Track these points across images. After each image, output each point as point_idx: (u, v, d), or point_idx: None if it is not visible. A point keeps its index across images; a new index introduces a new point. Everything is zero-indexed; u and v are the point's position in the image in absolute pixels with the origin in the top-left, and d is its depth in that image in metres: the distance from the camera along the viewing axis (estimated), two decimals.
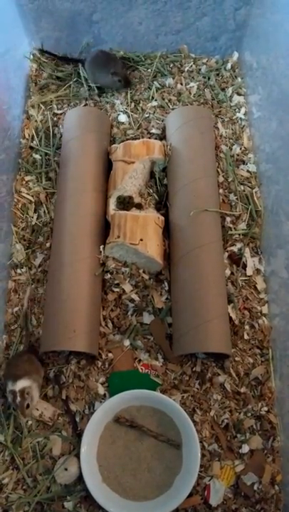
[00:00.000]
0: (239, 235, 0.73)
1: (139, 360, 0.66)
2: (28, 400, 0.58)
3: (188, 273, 0.65)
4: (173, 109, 0.83)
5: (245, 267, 0.71)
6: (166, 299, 0.69)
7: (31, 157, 0.82)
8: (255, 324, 0.68)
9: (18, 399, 0.58)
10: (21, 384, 0.58)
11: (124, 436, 0.61)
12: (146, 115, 0.84)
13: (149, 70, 0.89)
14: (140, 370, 0.65)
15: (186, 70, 0.89)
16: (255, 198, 0.76)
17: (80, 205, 0.70)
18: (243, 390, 0.64)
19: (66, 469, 0.59)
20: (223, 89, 0.87)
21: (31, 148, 0.83)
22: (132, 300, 0.68)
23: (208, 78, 0.88)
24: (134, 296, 0.68)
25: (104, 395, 0.64)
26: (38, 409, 0.62)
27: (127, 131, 0.82)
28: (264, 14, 0.77)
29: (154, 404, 0.62)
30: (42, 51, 0.91)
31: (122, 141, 0.78)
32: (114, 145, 0.76)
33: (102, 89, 0.87)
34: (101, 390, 0.64)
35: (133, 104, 0.85)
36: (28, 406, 0.58)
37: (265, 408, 0.63)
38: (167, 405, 0.61)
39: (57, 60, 0.91)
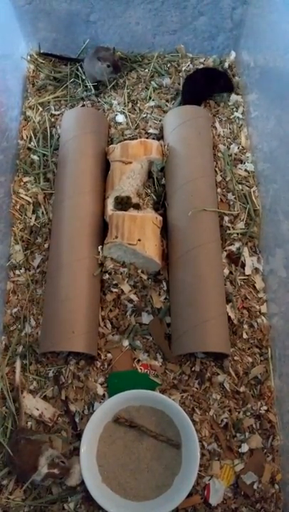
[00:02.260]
0: (237, 234, 0.73)
1: (138, 360, 0.66)
2: (60, 460, 0.56)
3: (187, 273, 0.65)
4: (171, 108, 0.83)
5: (243, 266, 0.71)
6: (165, 298, 0.69)
7: (29, 158, 0.82)
8: (254, 323, 0.68)
9: (56, 470, 0.56)
10: (42, 463, 0.56)
11: (123, 436, 0.61)
12: (144, 115, 0.84)
13: (147, 70, 0.89)
14: (139, 370, 0.65)
15: (183, 69, 0.89)
16: (254, 197, 0.76)
17: (78, 205, 0.70)
18: (242, 389, 0.64)
19: (72, 472, 0.59)
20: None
21: (29, 149, 0.83)
22: (130, 300, 0.68)
23: None
24: (132, 296, 0.68)
25: (104, 395, 0.64)
26: (38, 409, 0.62)
27: (125, 131, 0.82)
28: (261, 13, 0.77)
29: (153, 404, 0.62)
30: (41, 54, 0.90)
31: (120, 141, 0.78)
32: (111, 145, 0.76)
33: (98, 87, 0.87)
34: (100, 391, 0.64)
35: (130, 105, 0.85)
36: (66, 470, 0.57)
37: (265, 407, 0.63)
38: (166, 405, 0.61)
39: (56, 60, 0.91)
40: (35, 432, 0.61)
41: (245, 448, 0.61)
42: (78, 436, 0.61)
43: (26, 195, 0.79)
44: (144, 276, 0.68)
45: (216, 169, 0.78)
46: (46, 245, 0.74)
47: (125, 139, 0.79)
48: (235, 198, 0.76)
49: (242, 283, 0.70)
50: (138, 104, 0.85)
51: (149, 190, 0.75)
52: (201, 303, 0.63)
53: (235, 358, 0.65)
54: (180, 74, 0.89)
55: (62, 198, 0.71)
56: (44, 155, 0.82)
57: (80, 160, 0.74)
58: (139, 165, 0.73)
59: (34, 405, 0.62)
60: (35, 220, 0.77)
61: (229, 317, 0.66)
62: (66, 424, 0.63)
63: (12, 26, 0.86)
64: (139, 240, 0.65)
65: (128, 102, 0.85)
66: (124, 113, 0.84)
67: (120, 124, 0.83)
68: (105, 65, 0.83)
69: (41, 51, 0.91)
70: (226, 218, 0.74)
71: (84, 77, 0.88)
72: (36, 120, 0.85)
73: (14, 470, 0.59)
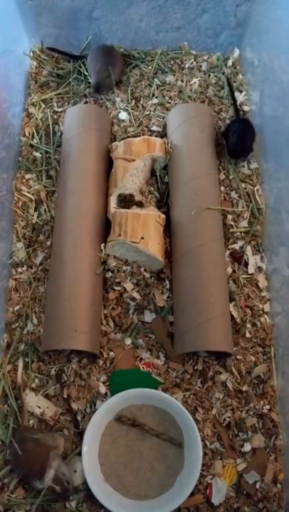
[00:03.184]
0: (241, 232, 0.73)
1: (141, 359, 0.66)
2: (65, 479, 0.55)
3: (190, 271, 0.65)
4: (174, 106, 0.83)
5: (246, 265, 0.71)
6: (168, 297, 0.68)
7: (31, 155, 0.81)
8: (257, 322, 0.68)
9: (58, 488, 0.55)
10: (49, 475, 0.55)
11: (125, 435, 0.61)
12: (147, 112, 0.83)
13: (150, 67, 0.88)
14: (142, 369, 0.65)
15: (186, 66, 0.89)
16: (257, 196, 0.75)
17: (80, 203, 0.70)
18: (245, 388, 0.64)
19: (75, 471, 0.58)
20: (223, 87, 0.86)
21: (31, 146, 0.82)
22: (133, 298, 0.68)
23: (209, 75, 0.88)
24: (135, 294, 0.68)
25: (106, 393, 0.64)
26: (40, 408, 0.62)
27: (128, 128, 0.81)
28: (265, 11, 0.77)
29: (155, 402, 0.62)
30: (47, 48, 0.90)
31: (123, 138, 0.77)
32: (114, 143, 0.76)
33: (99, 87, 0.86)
34: (102, 389, 0.64)
35: (134, 102, 0.85)
36: (67, 490, 0.55)
37: (267, 406, 0.63)
38: (169, 404, 0.61)
39: (58, 57, 0.91)
40: (38, 430, 0.60)
41: (247, 447, 0.61)
42: (80, 434, 0.61)
43: (28, 192, 0.78)
44: (147, 275, 0.68)
45: (220, 167, 0.77)
46: (48, 243, 0.74)
47: (128, 137, 0.79)
48: (238, 196, 0.75)
49: (245, 282, 0.70)
50: (141, 102, 0.85)
51: (152, 188, 0.75)
52: (203, 301, 0.62)
53: (238, 357, 0.65)
54: (183, 71, 0.88)
55: (65, 196, 0.71)
56: (46, 152, 0.81)
57: (83, 157, 0.73)
58: (142, 162, 0.73)
59: (36, 403, 0.62)
60: (38, 217, 0.76)
61: (232, 316, 0.66)
62: (68, 423, 0.62)
63: (15, 22, 0.85)
64: (142, 238, 0.65)
65: (131, 99, 0.85)
66: (127, 110, 0.84)
67: (123, 121, 0.83)
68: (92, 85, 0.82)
69: (46, 46, 0.90)
70: (229, 217, 0.74)
71: (86, 74, 0.87)
72: (39, 117, 0.84)
73: (16, 469, 0.58)
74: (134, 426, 0.61)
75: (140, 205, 0.71)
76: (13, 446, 0.57)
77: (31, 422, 0.62)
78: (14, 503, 0.58)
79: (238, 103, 0.84)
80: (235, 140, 0.74)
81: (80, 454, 0.59)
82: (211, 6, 0.83)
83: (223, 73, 0.88)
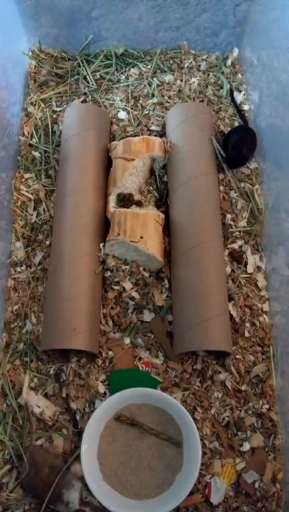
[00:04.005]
0: (240, 232, 0.73)
1: (140, 358, 0.66)
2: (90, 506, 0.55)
3: (189, 271, 0.65)
4: (173, 105, 0.83)
5: (246, 264, 0.71)
6: (167, 296, 0.68)
7: (30, 154, 0.81)
8: (256, 322, 0.68)
9: (88, 509, 0.55)
10: (70, 497, 0.55)
11: (124, 434, 0.61)
12: (146, 112, 0.83)
13: (149, 67, 0.88)
14: (141, 368, 0.65)
15: (186, 66, 0.89)
16: (256, 195, 0.75)
17: (79, 202, 0.70)
18: (244, 387, 0.64)
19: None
20: (222, 87, 0.86)
21: (30, 145, 0.82)
22: (132, 298, 0.68)
23: (208, 75, 0.88)
24: (134, 294, 0.68)
25: (105, 393, 0.64)
26: (39, 407, 0.62)
27: (127, 128, 0.81)
28: (264, 10, 0.77)
29: (154, 402, 0.62)
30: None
31: (122, 138, 0.77)
32: (113, 142, 0.76)
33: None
34: (101, 388, 0.64)
35: (133, 101, 0.85)
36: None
37: (266, 406, 0.63)
38: (168, 403, 0.61)
39: (57, 56, 0.90)
40: (43, 433, 0.60)
41: (246, 447, 0.61)
42: (79, 434, 0.61)
43: (27, 191, 0.78)
44: (146, 274, 0.68)
45: (219, 167, 0.77)
46: (47, 242, 0.74)
47: (127, 136, 0.79)
48: (237, 195, 0.75)
49: (244, 281, 0.70)
50: (140, 101, 0.85)
51: (151, 188, 0.75)
52: (203, 301, 0.62)
53: (237, 356, 0.65)
54: (183, 71, 0.88)
55: (64, 195, 0.71)
56: (45, 151, 0.81)
57: (82, 157, 0.73)
58: (141, 162, 0.73)
59: (36, 402, 0.62)
60: (37, 216, 0.76)
61: (231, 315, 0.66)
62: (67, 422, 0.62)
63: (14, 22, 0.85)
64: (141, 238, 0.65)
65: (130, 99, 0.85)
66: (126, 110, 0.84)
67: (122, 120, 0.83)
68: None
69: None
70: (229, 216, 0.74)
71: (85, 74, 0.87)
72: (38, 116, 0.84)
73: (30, 490, 0.58)
74: (133, 425, 0.61)
75: (139, 204, 0.71)
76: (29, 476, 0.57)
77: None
78: (13, 503, 0.58)
79: (238, 103, 0.84)
80: (231, 149, 0.74)
81: (78, 453, 0.59)
82: (210, 6, 0.83)
83: (222, 73, 0.88)
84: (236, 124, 0.82)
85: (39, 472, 0.57)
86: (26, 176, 0.80)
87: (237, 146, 0.74)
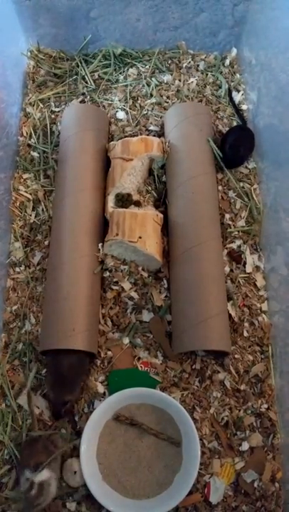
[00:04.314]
0: (238, 232, 0.73)
1: (139, 358, 0.66)
2: (44, 496, 0.53)
3: (188, 270, 0.65)
4: (171, 105, 0.83)
5: (244, 264, 0.71)
6: (166, 296, 0.69)
7: (29, 155, 0.81)
8: (254, 321, 0.68)
9: (34, 492, 0.53)
10: (42, 476, 0.54)
11: (123, 434, 0.61)
12: (145, 112, 0.83)
13: (148, 67, 0.88)
14: (140, 368, 0.65)
15: (184, 66, 0.89)
16: (255, 195, 0.75)
17: (78, 202, 0.70)
18: (242, 387, 0.64)
19: (75, 472, 0.58)
20: (221, 87, 0.86)
21: (29, 146, 0.82)
22: (131, 298, 0.68)
23: (207, 75, 0.88)
24: (133, 294, 0.68)
25: (104, 393, 0.64)
26: (38, 408, 0.62)
27: (125, 128, 0.81)
28: (263, 10, 0.77)
29: (153, 402, 0.62)
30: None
31: (120, 138, 0.77)
32: (112, 142, 0.76)
33: None
34: (100, 389, 0.64)
35: (131, 101, 0.85)
36: (40, 503, 0.53)
37: (265, 405, 0.63)
38: (167, 403, 0.61)
39: (56, 56, 0.90)
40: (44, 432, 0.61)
41: (245, 446, 0.61)
42: (78, 434, 0.61)
43: (26, 192, 0.78)
44: (145, 274, 0.68)
45: (217, 166, 0.77)
46: (46, 242, 0.74)
47: (126, 136, 0.79)
48: (236, 195, 0.75)
49: (243, 281, 0.70)
50: (139, 101, 0.85)
51: (149, 188, 0.75)
52: (201, 301, 0.63)
53: (236, 356, 0.65)
54: (181, 71, 0.88)
55: (63, 195, 0.71)
56: (44, 152, 0.81)
57: (81, 157, 0.73)
58: (139, 162, 0.73)
59: (35, 403, 0.62)
60: (35, 217, 0.76)
61: (230, 315, 0.66)
62: (66, 423, 0.62)
63: (12, 22, 0.85)
64: (139, 238, 0.65)
65: (129, 99, 0.85)
66: (124, 110, 0.84)
67: (121, 120, 0.83)
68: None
69: None
70: (227, 216, 0.74)
71: (84, 74, 0.87)
72: (36, 117, 0.84)
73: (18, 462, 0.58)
74: (132, 425, 0.61)
75: (138, 204, 0.71)
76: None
77: (29, 421, 0.62)
78: (12, 503, 0.58)
79: (236, 102, 0.84)
80: (228, 149, 0.74)
81: (78, 454, 0.59)
82: (208, 6, 0.83)
83: (221, 72, 0.88)
84: (235, 123, 0.82)
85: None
86: (25, 176, 0.80)
87: (234, 146, 0.74)
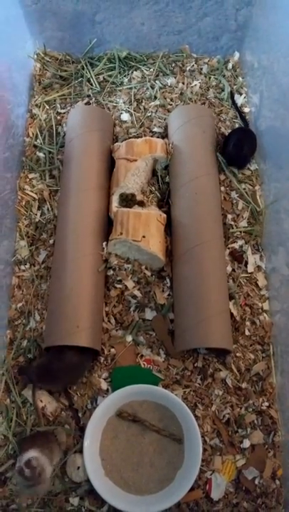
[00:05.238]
0: (240, 232, 0.74)
1: (142, 356, 0.67)
2: (36, 477, 0.52)
3: (190, 269, 0.66)
4: (175, 107, 0.84)
5: (246, 263, 0.72)
6: (168, 295, 0.69)
7: (35, 155, 0.82)
8: (256, 320, 0.68)
9: (26, 470, 0.52)
10: (29, 454, 0.54)
11: (126, 430, 0.62)
12: (149, 114, 0.84)
13: (152, 70, 0.90)
14: (142, 366, 0.66)
15: (187, 69, 0.90)
16: (257, 196, 0.76)
17: (83, 202, 0.71)
18: (244, 385, 0.64)
19: (78, 468, 0.59)
20: (223, 90, 0.88)
21: (35, 146, 0.83)
22: (134, 296, 0.69)
23: (210, 78, 0.89)
24: (136, 292, 0.68)
25: (107, 389, 0.65)
26: (42, 402, 0.63)
27: (130, 129, 0.82)
28: (265, 15, 0.78)
29: (156, 399, 0.63)
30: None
31: (125, 139, 0.79)
32: (116, 143, 0.77)
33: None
34: (104, 385, 0.65)
35: (135, 103, 0.86)
36: (40, 474, 0.53)
37: (266, 403, 0.64)
38: (169, 400, 0.62)
39: (62, 59, 0.92)
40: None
41: (246, 443, 0.62)
42: (81, 430, 0.62)
43: (32, 191, 0.79)
44: (148, 273, 0.69)
45: (220, 168, 0.78)
46: (51, 241, 0.75)
47: (130, 137, 0.80)
48: (238, 196, 0.76)
49: (244, 280, 0.71)
50: (143, 103, 0.86)
51: (153, 188, 0.76)
52: (204, 299, 0.63)
53: (238, 354, 0.66)
54: (184, 74, 0.90)
55: (68, 195, 0.72)
56: (50, 152, 0.82)
57: (85, 157, 0.74)
58: (143, 163, 0.74)
59: (39, 397, 0.63)
60: (41, 216, 0.77)
61: (232, 314, 0.67)
62: (69, 418, 0.63)
63: (19, 25, 0.87)
64: (143, 237, 0.66)
65: (133, 101, 0.86)
66: (129, 112, 0.85)
67: (125, 122, 0.84)
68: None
69: None
70: (229, 216, 0.75)
71: (89, 76, 0.89)
72: (42, 118, 0.86)
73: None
74: (134, 422, 0.62)
75: (142, 204, 0.72)
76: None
77: (32, 416, 0.63)
78: (16, 497, 0.58)
79: (239, 105, 0.85)
80: (232, 147, 0.75)
81: (81, 449, 0.59)
82: (211, 10, 0.84)
83: (224, 76, 0.89)
84: (237, 126, 0.83)
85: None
86: (31, 176, 0.81)
87: (238, 145, 0.75)
